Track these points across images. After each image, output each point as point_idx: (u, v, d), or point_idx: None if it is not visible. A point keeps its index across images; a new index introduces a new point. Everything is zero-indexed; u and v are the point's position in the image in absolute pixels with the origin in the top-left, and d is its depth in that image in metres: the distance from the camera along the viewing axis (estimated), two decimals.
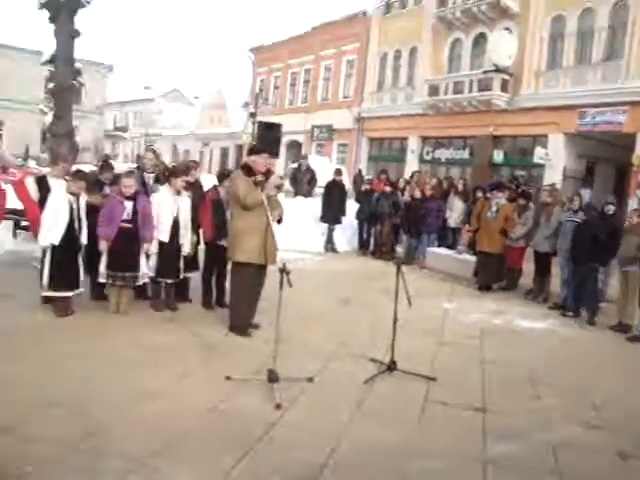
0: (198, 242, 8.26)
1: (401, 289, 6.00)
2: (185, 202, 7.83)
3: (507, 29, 23.48)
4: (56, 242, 6.93)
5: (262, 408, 4.89)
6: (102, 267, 7.30)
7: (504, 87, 23.10)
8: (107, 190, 8.09)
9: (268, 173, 6.97)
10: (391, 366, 6.00)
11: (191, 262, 8.14)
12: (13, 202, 7.88)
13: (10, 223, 10.22)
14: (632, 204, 18.27)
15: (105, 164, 8.77)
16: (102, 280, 7.40)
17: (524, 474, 4.24)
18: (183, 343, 6.51)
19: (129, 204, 7.31)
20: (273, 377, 5.26)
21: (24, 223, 9.46)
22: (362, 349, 6.71)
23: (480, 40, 25.07)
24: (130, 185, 7.39)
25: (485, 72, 23.45)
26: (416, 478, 4.01)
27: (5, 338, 5.96)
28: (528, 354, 7.32)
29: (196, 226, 8.05)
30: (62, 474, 3.66)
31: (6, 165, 15.13)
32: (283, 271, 5.28)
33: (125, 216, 7.27)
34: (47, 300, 7.20)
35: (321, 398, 5.26)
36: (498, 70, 22.98)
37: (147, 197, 7.73)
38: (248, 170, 6.90)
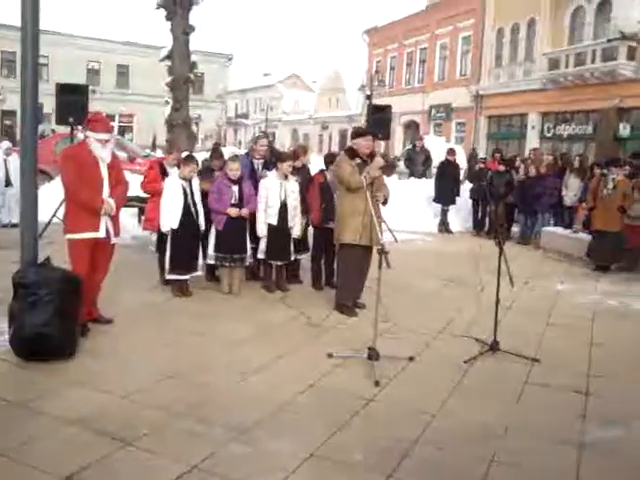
0: (307, 225, 8.46)
1: (503, 271, 5.93)
2: (293, 186, 8.03)
3: None
4: (175, 226, 7.33)
5: (361, 385, 5.02)
6: (211, 249, 7.66)
7: (631, 55, 22.01)
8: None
9: (372, 155, 7.07)
10: (494, 346, 5.97)
11: (301, 244, 8.37)
12: (136, 190, 8.34)
13: (135, 210, 10.90)
14: None
15: (215, 151, 9.10)
16: (211, 262, 7.78)
17: (621, 461, 4.12)
18: (291, 322, 6.78)
19: (235, 188, 7.63)
20: (373, 355, 5.36)
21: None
22: (466, 329, 6.71)
23: (604, 7, 23.92)
24: (236, 169, 7.68)
25: (610, 40, 22.35)
26: (508, 456, 4.01)
27: (129, 316, 6.43)
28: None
29: (305, 209, 8.25)
30: (171, 438, 3.96)
31: (133, 156, 15.98)
32: (382, 252, 5.37)
33: (232, 200, 7.58)
34: (167, 282, 7.66)
35: (420, 376, 5.33)
36: (625, 37, 21.83)
37: (254, 182, 8.04)
38: (352, 153, 7.02)
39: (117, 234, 6.09)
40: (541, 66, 25.92)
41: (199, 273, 7.68)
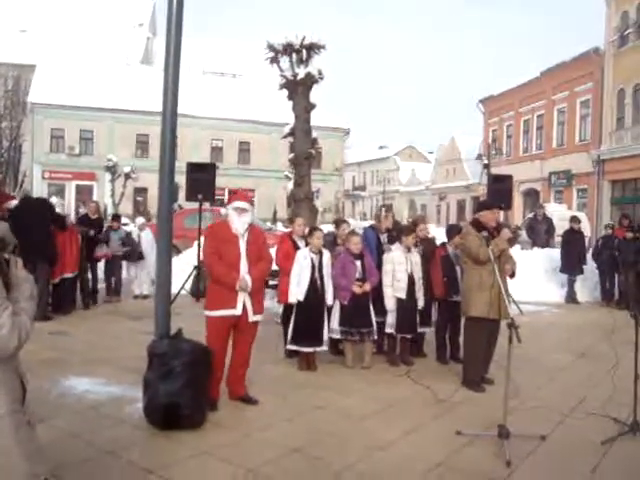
0: (431, 297, 8.41)
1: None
2: (417, 258, 8.08)
3: None
4: (301, 298, 7.47)
5: (492, 465, 4.87)
6: (335, 324, 7.74)
7: None
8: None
9: (499, 227, 7.05)
10: (634, 427, 5.62)
11: (425, 317, 8.33)
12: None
13: None
14: None
15: (338, 223, 9.27)
16: (335, 336, 7.83)
17: None
18: (416, 397, 6.67)
19: (358, 262, 7.75)
20: (504, 433, 5.19)
21: (272, 282, 10.28)
22: (601, 407, 6.34)
23: None
24: (358, 242, 7.82)
25: None
26: None
27: (254, 387, 6.49)
28: None
29: (427, 282, 8.24)
30: None
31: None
32: (512, 326, 5.27)
33: (357, 274, 7.69)
34: (291, 354, 7.79)
35: (553, 458, 5.09)
36: None
37: (377, 255, 8.18)
38: (478, 225, 7.02)
39: (258, 312, 6.08)
40: None
41: (324, 348, 7.72)
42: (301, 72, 14.79)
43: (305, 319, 7.46)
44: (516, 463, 4.87)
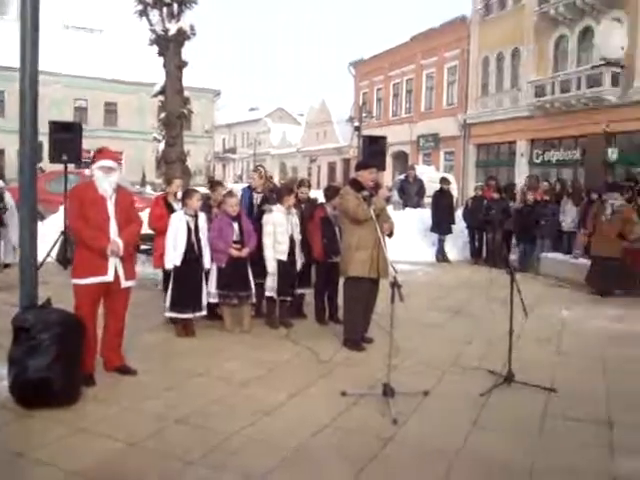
0: (310, 259, 8.34)
1: (516, 298, 5.84)
2: (296, 220, 7.98)
3: (616, 19, 22.51)
4: (178, 263, 7.17)
5: (378, 423, 4.88)
6: (213, 287, 7.52)
7: (615, 81, 22.26)
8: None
9: (377, 187, 7.04)
10: (508, 378, 5.85)
11: (304, 279, 8.26)
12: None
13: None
14: None
15: (217, 184, 8.95)
16: (213, 300, 7.59)
17: None
18: (298, 359, 6.62)
19: (236, 225, 7.55)
20: (388, 391, 5.23)
21: (144, 247, 9.85)
22: (478, 361, 6.58)
23: (587, 34, 24.29)
24: (235, 204, 7.60)
25: (594, 67, 22.66)
26: None
27: (131, 358, 6.17)
28: None
29: (305, 243, 8.16)
30: None
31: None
32: (394, 285, 5.27)
33: (234, 237, 7.49)
34: (172, 320, 7.50)
35: (437, 412, 5.19)
36: (608, 63, 22.15)
37: (253, 216, 8.02)
38: (357, 185, 6.97)
39: (131, 277, 5.76)
40: (527, 94, 26.18)
41: (204, 313, 7.46)
42: (172, 27, 14.16)
43: (183, 284, 7.17)
44: (402, 420, 4.91)
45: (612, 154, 22.66)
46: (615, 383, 6.10)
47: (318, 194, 10.15)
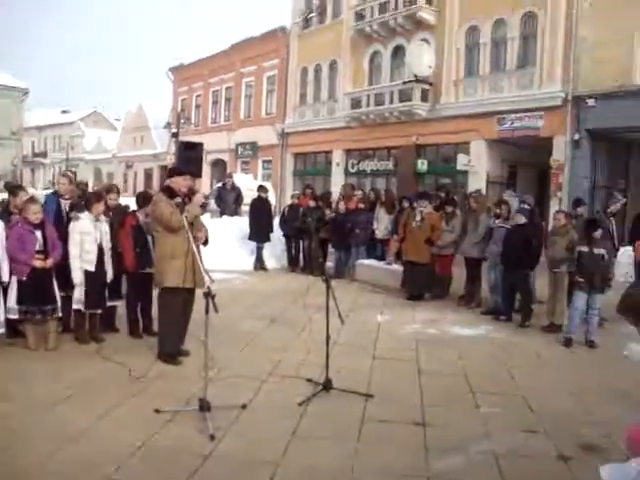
0: (121, 269, 7.85)
1: (332, 305, 5.81)
2: (106, 228, 7.49)
3: (424, 40, 23.77)
4: None
5: (195, 440, 4.63)
6: (13, 302, 6.81)
7: (424, 97, 23.39)
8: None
9: (191, 194, 6.75)
10: (326, 385, 5.80)
11: (114, 290, 7.77)
12: None
13: None
14: (553, 205, 18.72)
15: (14, 190, 8.12)
16: (13, 316, 6.88)
17: None
18: (109, 376, 6.15)
19: (38, 233, 6.90)
20: (204, 406, 4.99)
21: None
22: (296, 369, 6.48)
23: (399, 52, 25.36)
24: (37, 211, 6.96)
25: (405, 83, 23.72)
26: None
27: None
28: (465, 362, 7.24)
29: (116, 252, 7.67)
30: None
31: None
32: (208, 295, 5.03)
33: (37, 246, 6.86)
34: None
35: (256, 425, 5.01)
36: (418, 80, 23.26)
37: (60, 224, 7.37)
38: (169, 192, 6.65)
39: None
40: (344, 105, 26.87)
41: (2, 331, 6.76)
42: None
43: None
44: (220, 435, 4.71)
45: (422, 165, 23.92)
46: (428, 385, 6.26)
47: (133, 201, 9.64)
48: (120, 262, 7.65)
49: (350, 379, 6.12)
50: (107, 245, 7.42)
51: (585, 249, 8.53)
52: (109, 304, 7.68)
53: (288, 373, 6.39)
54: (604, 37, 18.00)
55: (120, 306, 7.98)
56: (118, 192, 8.57)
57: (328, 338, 5.90)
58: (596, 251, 8.49)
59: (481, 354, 7.75)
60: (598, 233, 8.61)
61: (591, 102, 18.45)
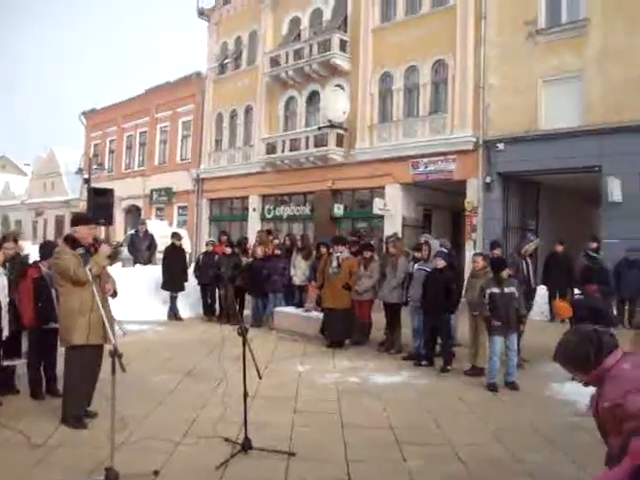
0: (19, 326, 7.28)
1: (250, 358, 5.48)
2: (3, 280, 6.93)
3: (339, 86, 24.03)
4: None
5: None
6: None
7: (339, 142, 23.54)
8: None
9: (96, 243, 6.34)
10: (245, 445, 5.42)
11: (12, 348, 7.18)
12: None
13: None
14: (468, 247, 19.01)
15: None
16: None
17: None
18: (6, 445, 5.58)
19: None
20: (112, 476, 4.54)
21: None
22: (213, 428, 6.05)
23: (314, 97, 25.56)
24: None
25: (320, 128, 23.82)
26: None
27: None
28: (389, 413, 7.00)
29: (15, 307, 7.11)
30: None
31: None
32: (115, 354, 4.64)
33: None
34: None
35: None
36: (333, 126, 23.40)
37: None
38: (73, 241, 6.22)
39: None
40: (259, 150, 26.76)
41: None
42: None
43: None
44: None
45: (338, 210, 23.95)
46: (352, 439, 5.98)
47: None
48: (19, 317, 7.09)
49: (271, 436, 5.79)
50: (4, 300, 6.86)
51: (496, 290, 8.53)
52: (5, 363, 7.08)
53: (204, 433, 5.96)
54: (511, 84, 18.70)
55: (20, 365, 7.36)
56: (15, 240, 7.98)
57: (246, 393, 5.56)
58: (507, 290, 8.52)
59: (405, 402, 7.54)
60: (505, 272, 8.65)
61: (501, 146, 18.95)
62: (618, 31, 16.66)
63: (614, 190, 16.52)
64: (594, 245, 13.88)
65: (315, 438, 5.99)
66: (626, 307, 13.84)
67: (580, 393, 7.48)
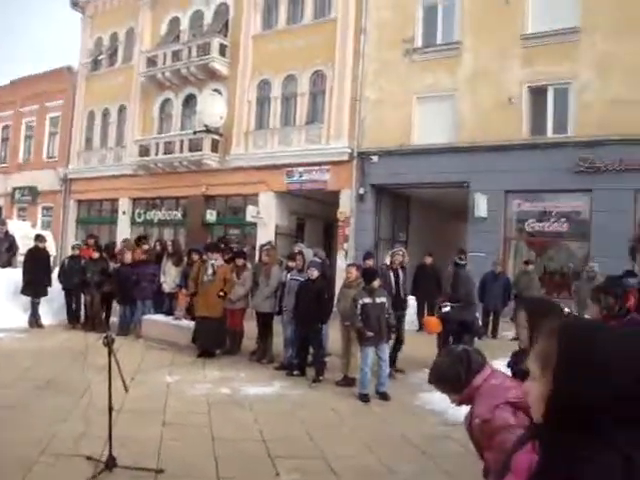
0: None
1: (115, 369, 5.19)
2: None
3: (216, 90, 23.75)
4: None
5: None
6: None
7: (215, 147, 23.28)
8: None
9: None
10: (109, 463, 5.09)
11: None
12: None
13: None
14: (340, 257, 19.26)
15: None
16: None
17: None
18: None
19: None
20: None
21: None
22: (75, 445, 5.67)
23: (190, 101, 25.10)
24: None
25: (196, 132, 23.44)
26: None
27: None
28: (261, 424, 6.88)
29: None
30: None
31: None
32: None
33: None
34: None
35: None
36: (209, 130, 23.08)
37: None
38: None
39: None
40: (132, 152, 25.94)
41: None
42: None
43: None
44: None
45: (211, 216, 23.63)
46: (223, 453, 5.80)
47: None
48: None
49: (137, 452, 5.51)
50: None
51: (368, 300, 8.62)
52: None
53: (64, 450, 5.56)
54: (387, 99, 19.20)
55: None
56: None
57: (111, 407, 5.26)
58: (378, 300, 8.65)
59: (277, 414, 7.44)
60: (376, 283, 8.76)
61: (375, 159, 19.38)
62: (488, 55, 17.51)
63: (480, 205, 17.29)
64: (462, 258, 14.36)
65: (185, 453, 5.76)
66: (490, 318, 14.41)
67: (448, 403, 7.74)
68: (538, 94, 17.28)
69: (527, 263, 15.25)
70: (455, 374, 2.98)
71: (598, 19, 15.99)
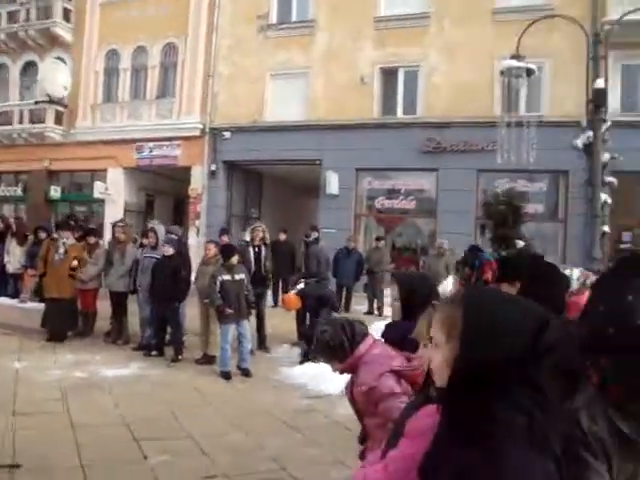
0: None
1: None
2: None
3: (60, 59, 22.40)
4: None
5: None
6: None
7: (59, 119, 22.06)
8: None
9: None
10: None
11: None
12: None
13: None
14: (191, 234, 18.99)
15: None
16: None
17: None
18: None
19: None
20: None
21: None
22: None
23: (30, 68, 23.45)
24: None
25: (37, 103, 22.04)
26: None
27: None
28: (122, 407, 6.66)
29: None
30: None
31: None
32: None
33: None
34: None
35: None
36: (52, 101, 21.80)
37: None
38: None
39: None
40: None
41: None
42: None
43: None
44: None
45: (55, 192, 22.44)
46: (85, 440, 5.53)
47: None
48: None
49: None
50: None
51: (227, 277, 8.55)
52: None
53: None
54: (240, 75, 19.02)
55: None
56: None
57: None
58: (237, 277, 8.61)
59: (138, 395, 7.21)
60: (235, 259, 8.70)
61: (227, 135, 19.21)
62: (342, 34, 17.78)
63: (332, 183, 17.61)
64: (314, 234, 14.56)
65: (42, 444, 5.40)
66: (343, 293, 14.73)
67: (308, 376, 7.90)
68: (389, 75, 17.81)
69: (378, 239, 15.71)
70: (339, 343, 3.04)
71: (447, 6, 16.72)
